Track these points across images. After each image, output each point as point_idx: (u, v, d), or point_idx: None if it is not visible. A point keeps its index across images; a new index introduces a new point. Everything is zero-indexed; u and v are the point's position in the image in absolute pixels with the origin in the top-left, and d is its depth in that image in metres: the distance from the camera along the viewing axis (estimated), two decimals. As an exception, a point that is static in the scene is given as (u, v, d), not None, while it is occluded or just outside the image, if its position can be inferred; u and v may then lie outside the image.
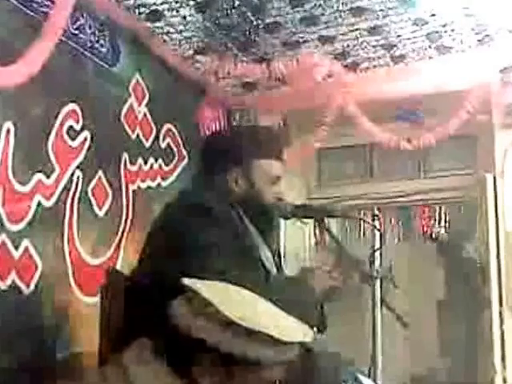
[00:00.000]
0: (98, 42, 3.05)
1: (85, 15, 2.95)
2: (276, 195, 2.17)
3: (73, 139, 2.84)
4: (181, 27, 3.38)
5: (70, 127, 2.83)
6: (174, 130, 3.63)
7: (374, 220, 4.58)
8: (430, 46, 3.63)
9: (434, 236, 5.22)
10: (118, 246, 3.09)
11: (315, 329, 2.06)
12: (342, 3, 3.22)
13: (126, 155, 3.20)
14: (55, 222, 2.71)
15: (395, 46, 3.63)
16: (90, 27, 3.00)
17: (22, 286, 2.51)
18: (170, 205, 2.17)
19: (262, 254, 2.12)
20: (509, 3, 3.19)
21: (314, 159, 4.77)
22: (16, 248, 2.49)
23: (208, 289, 1.54)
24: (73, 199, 2.81)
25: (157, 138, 3.48)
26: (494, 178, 3.97)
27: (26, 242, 2.53)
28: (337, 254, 2.19)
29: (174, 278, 1.62)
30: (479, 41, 3.56)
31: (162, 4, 3.18)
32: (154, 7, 3.20)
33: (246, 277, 1.82)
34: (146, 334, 1.66)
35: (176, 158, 3.66)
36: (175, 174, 3.63)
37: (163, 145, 3.55)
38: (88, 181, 2.92)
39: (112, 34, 3.15)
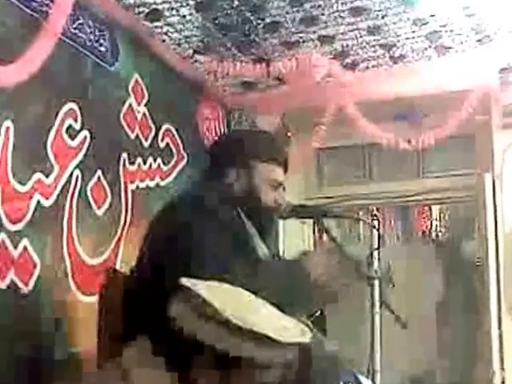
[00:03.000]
0: (97, 41, 3.05)
1: (84, 14, 2.95)
2: (276, 201, 2.18)
3: (72, 138, 2.84)
4: (180, 27, 3.38)
5: (70, 126, 2.82)
6: (172, 129, 3.63)
7: (373, 220, 4.58)
8: (429, 46, 3.63)
9: (432, 236, 5.23)
10: (117, 245, 3.09)
11: (314, 329, 2.06)
12: (342, 3, 3.22)
13: (125, 155, 3.20)
14: (54, 221, 2.71)
15: (395, 46, 3.63)
16: (89, 26, 2.99)
17: (21, 285, 2.50)
18: (169, 204, 2.17)
19: (261, 255, 2.12)
20: (509, 3, 3.19)
21: (314, 159, 4.76)
22: (15, 247, 2.48)
23: (206, 289, 1.54)
24: (72, 199, 2.81)
25: (156, 137, 3.48)
26: (493, 178, 3.96)
27: (24, 242, 2.52)
28: (335, 254, 2.19)
29: (172, 278, 1.62)
30: (479, 41, 3.56)
31: (161, 3, 3.18)
32: (153, 6, 3.20)
33: (243, 274, 1.82)
34: (144, 334, 1.66)
35: (175, 157, 3.65)
36: (174, 173, 3.62)
37: (162, 144, 3.55)
38: (87, 180, 2.91)
39: (111, 34, 3.14)
